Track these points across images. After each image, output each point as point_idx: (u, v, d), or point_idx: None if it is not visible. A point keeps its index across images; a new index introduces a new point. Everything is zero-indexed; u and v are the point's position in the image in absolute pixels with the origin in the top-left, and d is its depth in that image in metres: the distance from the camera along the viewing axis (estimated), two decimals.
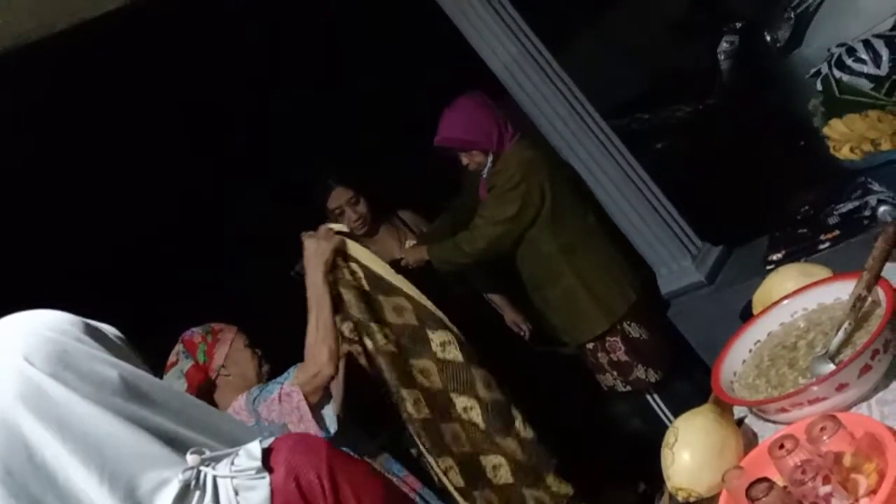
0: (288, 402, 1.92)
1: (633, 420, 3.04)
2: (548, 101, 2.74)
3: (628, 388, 2.78)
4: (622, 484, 3.03)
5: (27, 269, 2.60)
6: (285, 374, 2.00)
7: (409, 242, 2.82)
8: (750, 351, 1.33)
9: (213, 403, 2.04)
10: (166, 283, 3.07)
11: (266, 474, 0.88)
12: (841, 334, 1.16)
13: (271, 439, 0.93)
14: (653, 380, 2.76)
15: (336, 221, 2.75)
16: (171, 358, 2.06)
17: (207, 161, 3.23)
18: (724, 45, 3.63)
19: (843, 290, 1.25)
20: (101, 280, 2.93)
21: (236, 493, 0.87)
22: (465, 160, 2.69)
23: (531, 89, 2.73)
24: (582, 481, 2.93)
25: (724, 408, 1.26)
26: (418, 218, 2.97)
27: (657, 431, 2.73)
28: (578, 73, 2.90)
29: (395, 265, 2.75)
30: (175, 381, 2.00)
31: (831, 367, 1.14)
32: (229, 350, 2.06)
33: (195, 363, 2.02)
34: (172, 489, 0.86)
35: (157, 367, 2.09)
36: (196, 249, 3.19)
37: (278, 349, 2.17)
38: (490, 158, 2.65)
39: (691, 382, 2.73)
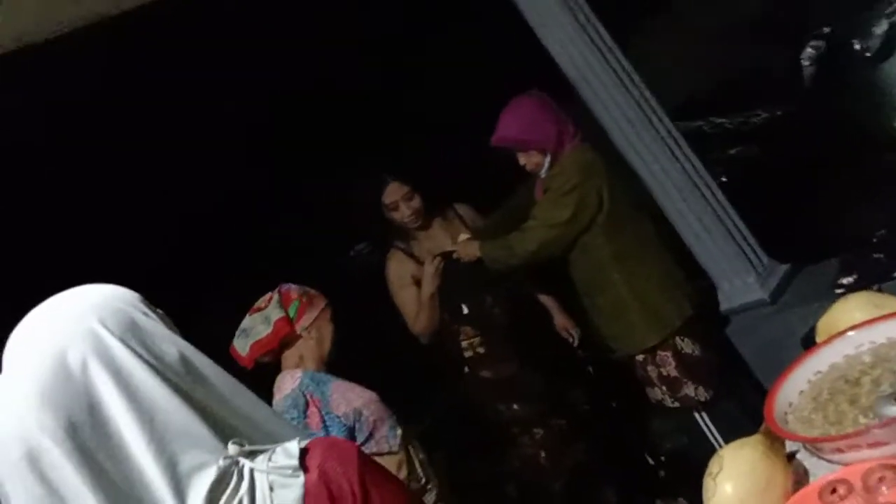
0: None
1: (678, 436, 2.96)
2: (616, 102, 2.67)
3: (676, 404, 2.70)
4: (663, 498, 2.96)
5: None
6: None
7: (463, 236, 2.80)
8: (809, 382, 1.25)
9: (280, 358, 2.14)
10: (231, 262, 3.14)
11: (301, 474, 0.91)
12: None
13: (308, 440, 0.96)
14: (702, 398, 2.67)
15: (390, 215, 2.77)
16: (260, 303, 2.14)
17: (262, 152, 3.28)
18: (808, 51, 3.48)
19: None
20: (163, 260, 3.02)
21: (271, 489, 0.90)
22: (522, 160, 2.64)
23: (600, 89, 2.65)
24: (621, 490, 2.90)
25: (776, 440, 1.19)
26: (475, 213, 2.95)
27: (702, 450, 2.66)
28: (652, 73, 2.81)
29: (448, 257, 2.75)
30: (258, 325, 2.09)
31: None
32: (318, 316, 2.15)
33: (286, 316, 2.10)
34: (211, 474, 0.89)
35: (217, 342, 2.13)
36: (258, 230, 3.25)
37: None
38: (548, 159, 2.60)
39: (743, 404, 2.63)
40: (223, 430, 0.92)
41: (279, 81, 3.29)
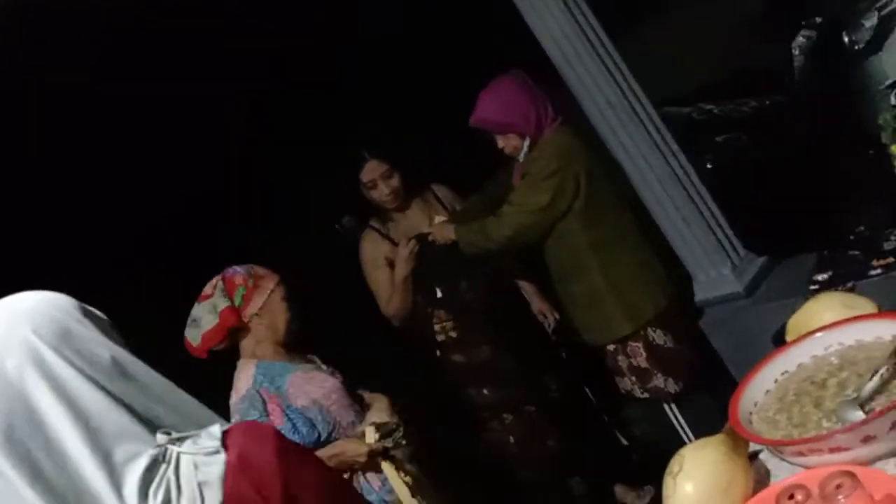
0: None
1: (646, 425, 2.96)
2: (598, 85, 2.62)
3: (646, 395, 2.69)
4: (631, 485, 2.96)
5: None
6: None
7: (439, 218, 2.76)
8: (776, 381, 1.24)
9: (237, 345, 2.07)
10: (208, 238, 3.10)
11: (223, 453, 1.02)
12: (876, 380, 1.07)
13: (229, 424, 1.08)
14: (672, 390, 2.67)
15: (368, 193, 2.73)
16: (207, 290, 2.06)
17: (242, 127, 3.23)
18: (800, 40, 3.44)
19: (885, 330, 1.15)
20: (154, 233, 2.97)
21: (196, 468, 1.01)
22: (500, 143, 2.59)
23: (582, 71, 2.61)
24: (591, 477, 2.90)
25: (739, 439, 1.17)
26: (453, 195, 2.91)
27: (672, 441, 2.67)
28: (641, 57, 2.77)
29: (423, 239, 2.72)
30: (206, 314, 2.01)
31: (860, 415, 1.04)
32: (267, 299, 2.05)
33: (231, 305, 2.01)
34: (143, 462, 0.99)
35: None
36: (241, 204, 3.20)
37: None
38: (527, 143, 2.55)
39: (713, 396, 2.62)
40: (155, 423, 1.03)
41: (259, 56, 3.22)
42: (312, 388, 2.02)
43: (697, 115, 3.78)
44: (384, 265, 2.75)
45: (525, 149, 2.55)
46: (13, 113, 2.41)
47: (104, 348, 1.04)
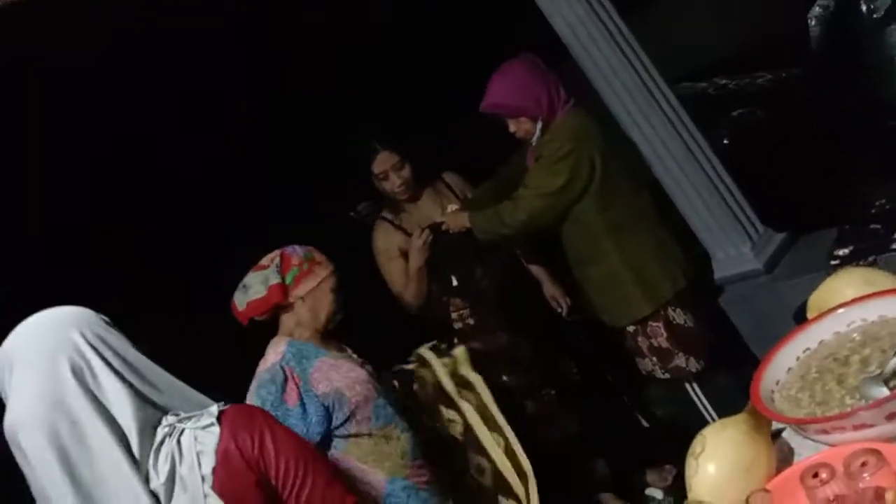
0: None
1: (667, 405, 2.94)
2: (612, 66, 2.58)
3: (667, 375, 2.67)
4: (653, 465, 2.96)
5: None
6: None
7: (452, 207, 2.75)
8: (797, 359, 1.23)
9: (277, 321, 2.10)
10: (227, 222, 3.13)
11: (217, 427, 1.30)
12: None
13: (227, 406, 1.35)
14: (693, 369, 2.65)
15: (380, 184, 2.72)
16: (264, 261, 2.09)
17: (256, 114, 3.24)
18: (816, 10, 3.38)
19: None
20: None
21: (195, 440, 1.28)
22: (512, 127, 2.56)
23: (595, 53, 2.57)
24: (612, 460, 2.89)
25: (761, 418, 1.16)
26: (464, 182, 2.89)
27: (692, 420, 2.65)
28: (654, 33, 2.72)
29: (436, 229, 2.71)
30: (256, 284, 2.05)
31: (884, 391, 1.03)
32: (316, 286, 2.08)
33: (282, 282, 2.04)
34: (157, 438, 1.28)
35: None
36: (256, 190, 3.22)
37: None
38: (539, 126, 2.53)
39: (735, 375, 2.60)
40: (165, 411, 1.31)
41: (274, 52, 3.23)
42: (337, 375, 2.02)
43: (712, 91, 3.73)
44: (398, 256, 2.75)
45: (538, 132, 2.53)
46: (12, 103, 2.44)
47: (125, 351, 1.32)
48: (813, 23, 3.47)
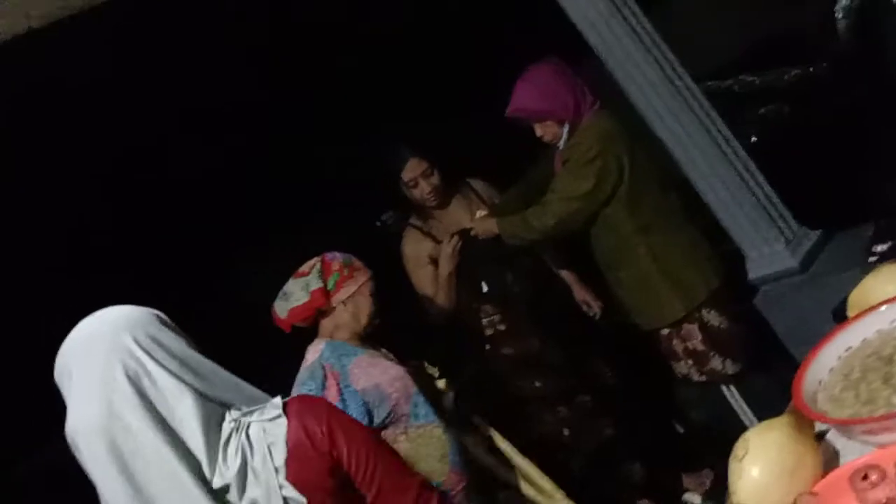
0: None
1: (703, 408, 2.90)
2: (638, 66, 2.55)
3: (703, 377, 2.64)
4: (689, 469, 2.92)
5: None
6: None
7: (480, 213, 2.75)
8: (839, 358, 1.20)
9: (316, 325, 2.15)
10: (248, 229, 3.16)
11: (284, 418, 1.31)
12: None
13: (287, 398, 1.36)
14: (730, 371, 2.61)
15: (409, 192, 2.73)
16: (304, 268, 2.13)
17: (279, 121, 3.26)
18: (842, 2, 3.33)
19: None
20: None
21: (264, 432, 1.29)
22: (539, 131, 2.56)
23: (620, 53, 2.54)
24: (648, 463, 2.86)
25: (804, 420, 1.14)
26: (490, 188, 2.89)
27: (731, 422, 2.61)
28: (678, 29, 2.70)
29: (465, 235, 2.71)
30: (298, 290, 2.10)
31: None
32: (356, 290, 2.13)
33: (323, 287, 2.09)
34: (224, 435, 1.29)
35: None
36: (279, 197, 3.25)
37: None
38: (566, 129, 2.52)
39: (773, 376, 2.56)
40: (226, 406, 1.31)
41: (297, 53, 3.25)
42: (377, 372, 2.06)
43: (739, 88, 3.69)
44: (427, 263, 2.76)
45: (564, 135, 2.52)
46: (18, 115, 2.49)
47: (181, 350, 1.32)
48: (840, 15, 3.42)
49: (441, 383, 2.26)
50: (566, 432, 2.82)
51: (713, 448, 2.68)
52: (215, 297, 3.06)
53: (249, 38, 3.02)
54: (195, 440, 1.26)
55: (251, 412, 1.30)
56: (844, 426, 1.06)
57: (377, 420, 2.02)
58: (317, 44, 3.25)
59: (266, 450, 1.27)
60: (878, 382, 1.10)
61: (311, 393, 1.98)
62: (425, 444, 2.03)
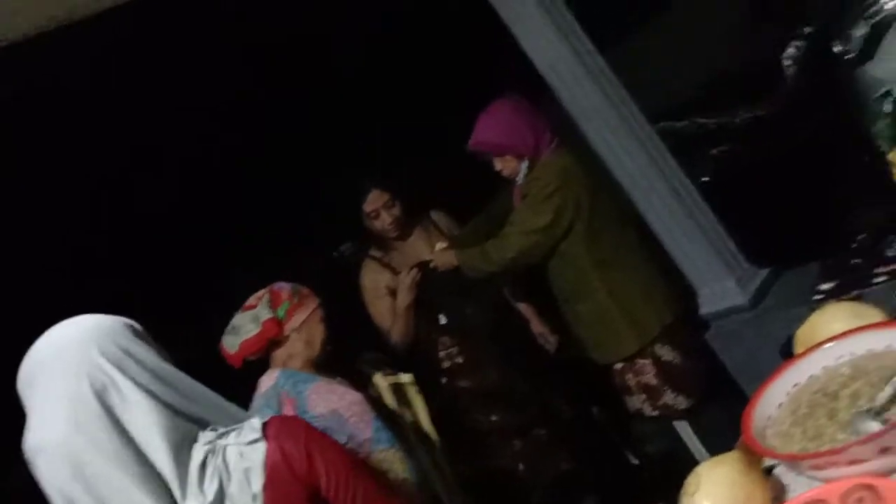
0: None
1: (657, 442, 2.93)
2: (595, 106, 2.63)
3: (656, 412, 2.67)
4: (643, 501, 2.93)
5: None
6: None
7: (440, 245, 2.76)
8: (787, 394, 1.22)
9: (268, 356, 2.12)
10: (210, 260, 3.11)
11: (263, 441, 1.24)
12: (889, 389, 1.05)
13: (267, 417, 1.30)
14: (682, 407, 2.65)
15: (370, 223, 2.73)
16: (251, 301, 2.11)
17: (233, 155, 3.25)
18: (790, 51, 3.46)
19: None
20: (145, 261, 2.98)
21: (241, 456, 1.23)
22: (498, 165, 2.61)
23: (578, 93, 2.62)
24: (602, 496, 2.87)
25: (754, 455, 1.16)
26: (450, 220, 2.91)
27: (682, 457, 2.63)
28: (636, 74, 2.78)
29: (425, 267, 2.71)
30: (248, 323, 2.07)
31: (875, 426, 1.03)
32: (307, 318, 2.11)
33: (274, 317, 2.07)
34: (198, 457, 1.22)
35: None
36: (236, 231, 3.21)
37: None
38: (525, 165, 2.57)
39: (724, 411, 2.60)
40: (201, 423, 1.25)
41: (262, 85, 3.25)
42: (335, 397, 2.04)
43: (692, 130, 3.80)
44: (385, 294, 2.75)
45: (523, 171, 2.57)
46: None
47: (154, 363, 1.25)
48: (788, 62, 3.56)
49: (406, 377, 2.25)
50: (522, 466, 2.81)
51: (668, 481, 2.70)
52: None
53: (217, 71, 3.02)
54: (161, 457, 1.19)
55: (228, 433, 1.24)
56: (792, 461, 1.08)
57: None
58: (283, 76, 3.27)
59: (243, 475, 1.22)
60: (824, 419, 1.13)
61: None
62: (388, 469, 2.01)
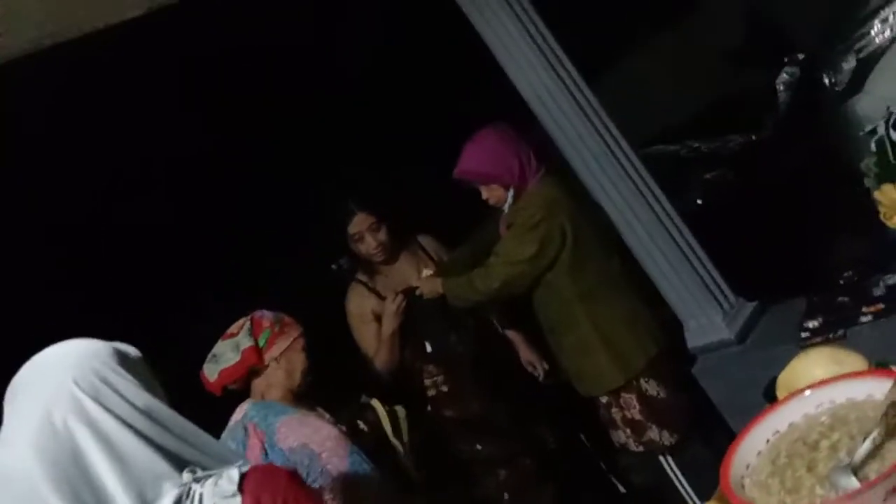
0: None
1: (643, 474, 2.90)
2: (581, 136, 2.63)
3: (641, 448, 2.64)
4: None
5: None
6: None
7: (426, 272, 2.74)
8: (767, 441, 1.21)
9: (248, 385, 2.10)
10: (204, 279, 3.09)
11: (239, 497, 1.16)
12: (868, 444, 1.03)
13: (248, 466, 1.21)
14: (667, 442, 2.62)
15: (355, 246, 2.71)
16: (233, 329, 2.09)
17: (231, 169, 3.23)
18: (783, 76, 3.49)
19: (877, 389, 1.12)
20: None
21: None
22: (485, 194, 2.60)
23: (564, 123, 2.62)
24: None
25: None
26: (439, 245, 2.89)
27: (667, 491, 2.60)
28: (624, 98, 2.78)
29: (411, 293, 2.69)
30: (228, 352, 2.05)
31: (854, 482, 1.01)
32: (288, 347, 2.09)
33: (255, 345, 2.04)
34: (169, 500, 1.14)
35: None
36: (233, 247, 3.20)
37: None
38: (511, 194, 2.56)
39: (709, 447, 2.57)
40: (181, 460, 1.17)
41: (249, 101, 3.25)
42: (308, 431, 1.99)
43: (685, 153, 3.81)
44: (371, 320, 2.72)
45: (509, 199, 2.56)
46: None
47: (136, 394, 1.19)
48: (781, 88, 3.57)
49: (400, 412, 2.23)
50: (507, 496, 2.78)
51: None
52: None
53: (197, 92, 3.01)
54: (119, 494, 1.13)
55: (206, 478, 1.17)
56: None
57: (309, 480, 1.95)
58: (271, 96, 3.27)
59: None
60: (803, 470, 1.11)
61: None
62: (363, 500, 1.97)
